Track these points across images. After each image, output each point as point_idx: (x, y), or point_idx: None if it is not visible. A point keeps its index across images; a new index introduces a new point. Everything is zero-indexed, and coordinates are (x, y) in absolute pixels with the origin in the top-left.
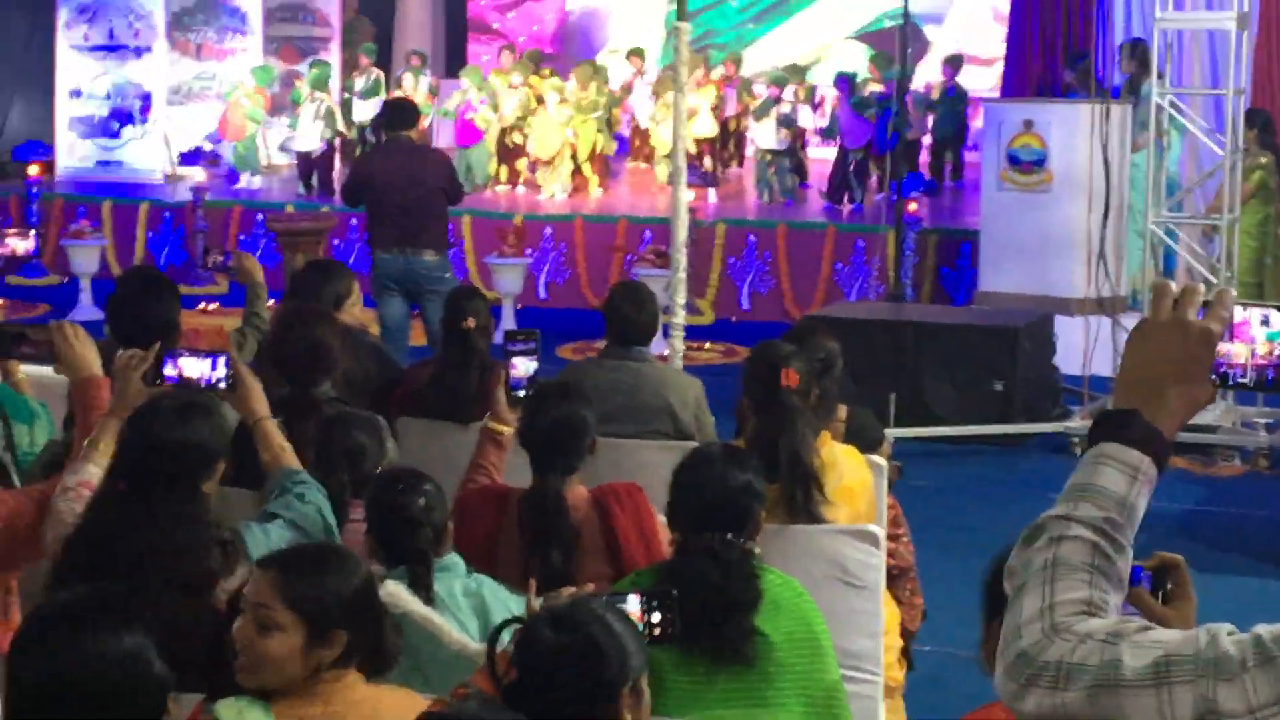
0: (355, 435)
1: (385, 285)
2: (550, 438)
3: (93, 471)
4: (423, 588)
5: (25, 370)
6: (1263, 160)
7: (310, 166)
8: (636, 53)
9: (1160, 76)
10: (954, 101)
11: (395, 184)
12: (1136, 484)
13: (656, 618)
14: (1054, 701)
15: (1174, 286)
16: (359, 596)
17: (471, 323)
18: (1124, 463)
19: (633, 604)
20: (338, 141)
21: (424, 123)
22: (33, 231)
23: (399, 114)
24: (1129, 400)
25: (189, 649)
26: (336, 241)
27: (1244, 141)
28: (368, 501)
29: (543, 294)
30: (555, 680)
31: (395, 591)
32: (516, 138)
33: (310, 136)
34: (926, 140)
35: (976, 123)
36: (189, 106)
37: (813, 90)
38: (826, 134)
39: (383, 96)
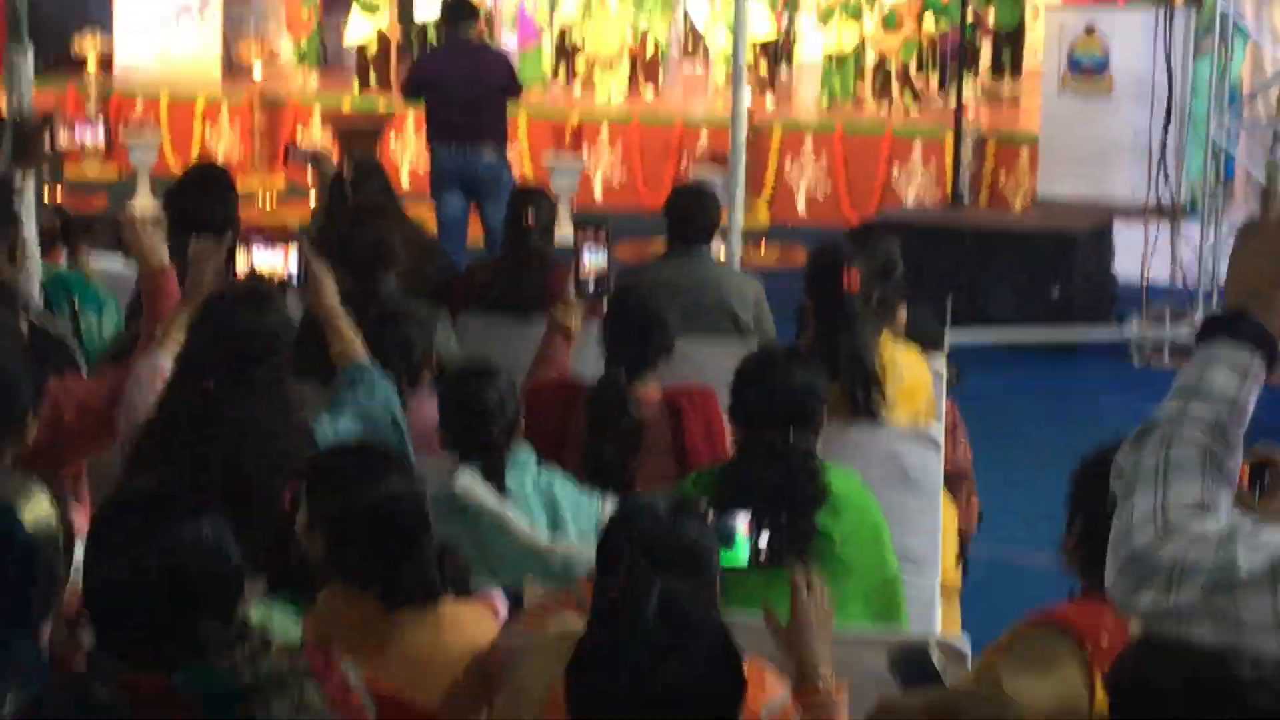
0: (404, 328)
1: (444, 181)
2: (628, 333)
3: (165, 360)
4: (495, 480)
5: (92, 263)
6: None
7: (367, 63)
8: None
9: None
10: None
11: (455, 81)
12: (1246, 383)
13: (764, 540)
14: (1168, 601)
15: None
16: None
17: (533, 219)
18: (1234, 362)
19: (741, 523)
20: (397, 38)
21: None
22: (102, 127)
23: (458, 11)
24: (1238, 300)
25: (268, 537)
26: (394, 136)
27: None
28: (441, 394)
29: (599, 194)
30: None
31: (468, 484)
32: (574, 37)
33: (366, 32)
34: (986, 44)
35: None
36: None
37: None
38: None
39: None
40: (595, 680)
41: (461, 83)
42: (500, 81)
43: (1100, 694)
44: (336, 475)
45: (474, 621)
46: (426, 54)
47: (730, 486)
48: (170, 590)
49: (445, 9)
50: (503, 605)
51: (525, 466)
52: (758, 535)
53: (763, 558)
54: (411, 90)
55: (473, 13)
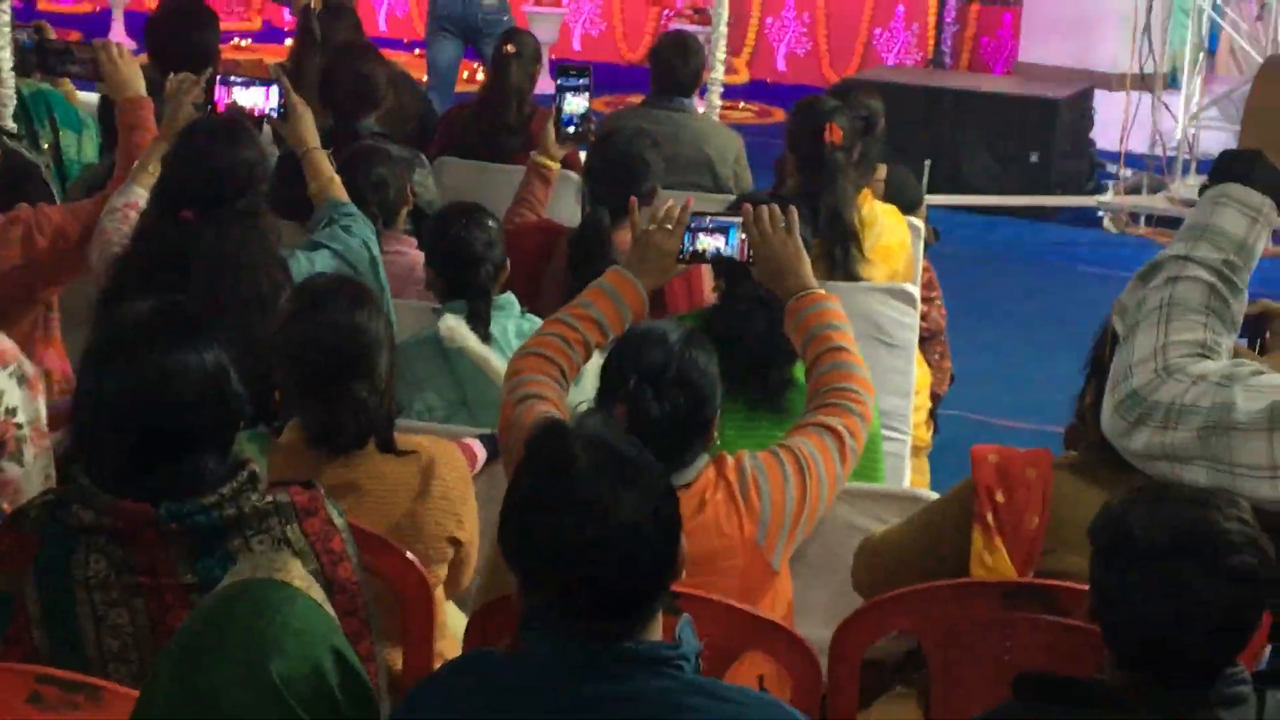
0: (379, 167)
1: (441, 26)
2: (612, 173)
3: (139, 193)
4: (480, 323)
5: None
6: None
7: None
8: None
9: None
10: None
11: None
12: (1257, 226)
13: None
14: (1163, 440)
15: None
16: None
17: (512, 48)
18: (1245, 204)
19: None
20: None
21: None
22: None
23: None
24: (1254, 139)
25: (258, 365)
26: None
27: None
28: (428, 235)
29: (577, 45)
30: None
31: (454, 325)
32: None
33: None
34: None
35: None
36: None
37: None
38: None
39: None
40: (531, 519)
41: None
42: None
43: (978, 541)
44: (295, 304)
45: (405, 479)
46: None
47: (711, 331)
48: (170, 414)
49: None
50: (481, 451)
51: (509, 312)
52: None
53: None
54: None
55: None
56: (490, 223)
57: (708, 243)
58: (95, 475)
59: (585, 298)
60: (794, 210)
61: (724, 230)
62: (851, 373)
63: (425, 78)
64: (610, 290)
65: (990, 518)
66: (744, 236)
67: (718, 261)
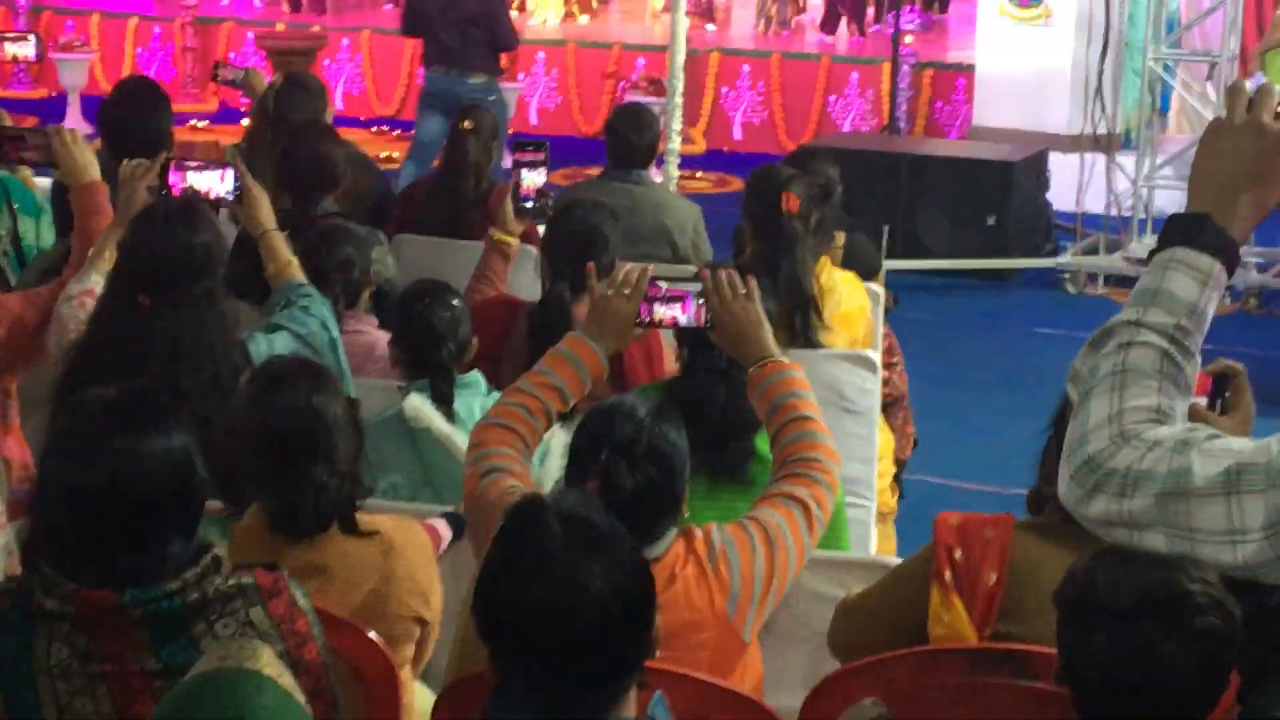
0: (342, 248)
1: (428, 104)
2: (571, 248)
3: (96, 279)
4: (444, 402)
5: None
6: None
7: None
8: None
9: None
10: None
11: (440, 8)
12: (1207, 290)
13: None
14: (1120, 508)
15: (1248, 86)
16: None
17: (469, 124)
18: (1195, 268)
19: (687, 293)
20: None
21: None
22: (32, 35)
23: None
24: (1200, 203)
25: (219, 449)
26: (327, 61)
27: None
28: (392, 313)
29: (534, 119)
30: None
31: (419, 405)
32: None
33: None
34: None
35: None
36: None
37: None
38: None
39: None
40: (508, 592)
41: (446, 10)
42: (481, 9)
43: (936, 599)
44: (253, 387)
45: (368, 559)
46: None
47: (673, 402)
48: (135, 504)
49: None
50: (446, 531)
51: (475, 390)
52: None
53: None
54: (406, 23)
55: None
56: (455, 301)
57: (664, 312)
58: (58, 562)
59: (545, 365)
60: (753, 278)
61: (681, 297)
62: (817, 442)
63: (386, 154)
64: (569, 356)
65: (948, 575)
66: (702, 302)
67: (675, 327)
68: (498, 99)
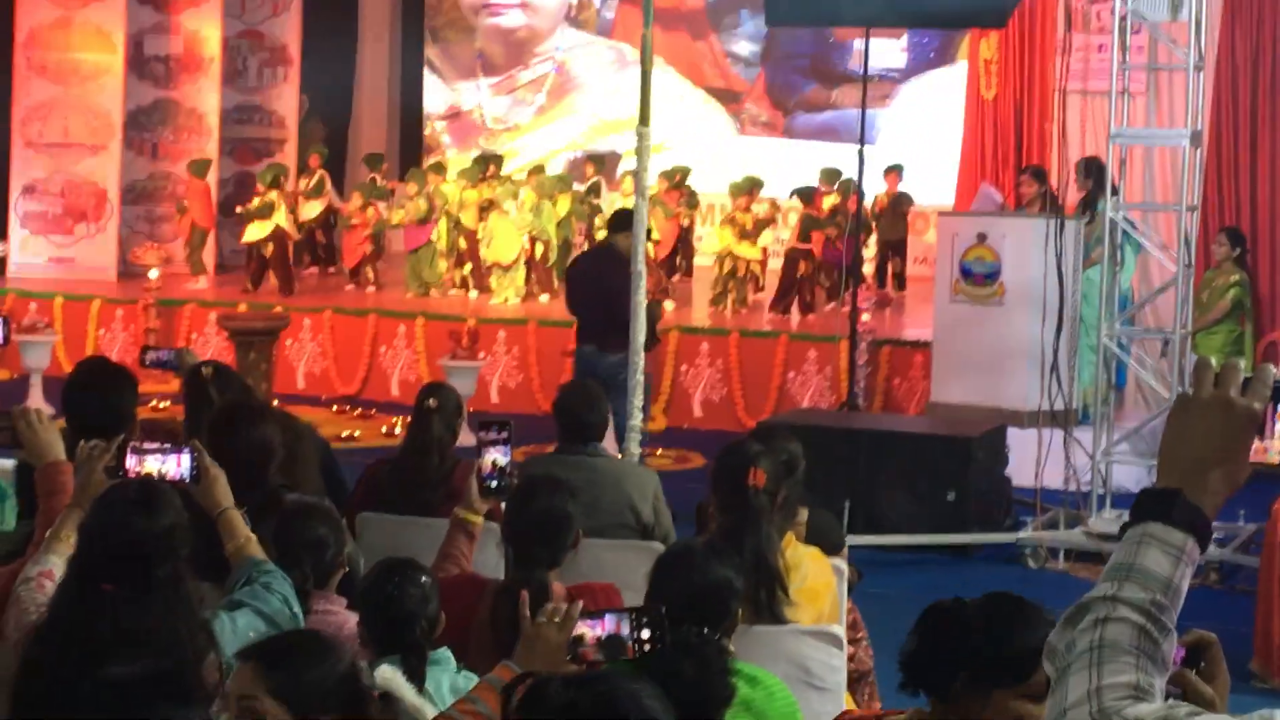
0: (316, 528)
1: (577, 377)
2: (537, 530)
3: (54, 561)
4: (416, 679)
5: None
6: (1235, 278)
7: (264, 265)
8: (593, 159)
9: (1114, 192)
10: (897, 211)
11: (592, 287)
12: (1181, 565)
13: (646, 634)
14: None
15: (1214, 362)
16: (344, 682)
17: (434, 403)
18: (1168, 543)
19: (621, 622)
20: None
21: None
22: (0, 319)
23: (616, 221)
24: (1171, 478)
25: None
26: (290, 341)
27: (1218, 258)
28: (360, 592)
29: (495, 398)
30: None
31: (391, 676)
32: (465, 240)
33: (261, 232)
34: (871, 251)
35: (926, 235)
36: (144, 205)
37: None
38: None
39: (325, 198)
40: None
41: (595, 288)
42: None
43: None
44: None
45: None
46: (576, 259)
47: (641, 676)
48: None
49: (613, 218)
50: None
51: (444, 667)
52: (638, 630)
53: (646, 648)
54: (568, 305)
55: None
56: (424, 578)
57: (592, 642)
58: None
59: (474, 693)
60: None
61: (616, 630)
62: None
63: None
64: (497, 683)
65: None
66: (629, 633)
67: (609, 659)
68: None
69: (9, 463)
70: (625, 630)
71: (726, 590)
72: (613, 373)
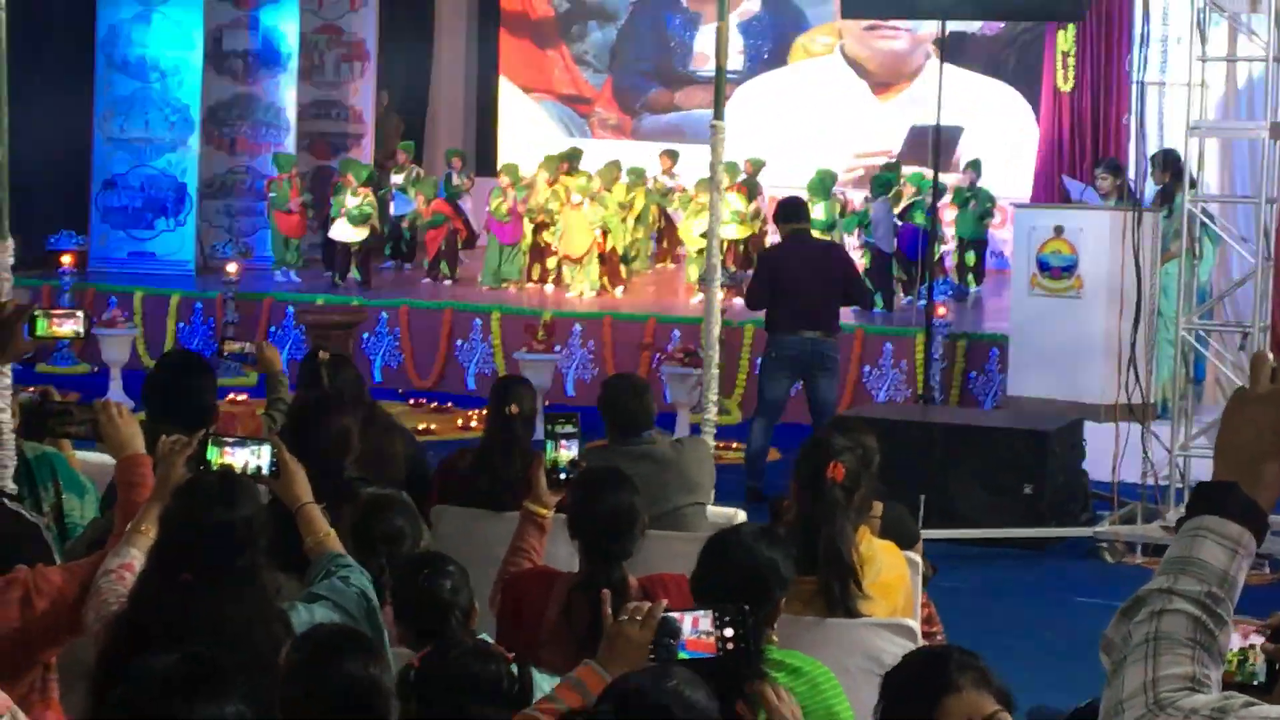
0: (394, 520)
1: (780, 366)
2: (606, 525)
3: (134, 554)
4: None
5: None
6: None
7: (346, 260)
8: (669, 154)
9: (1192, 185)
10: (977, 206)
11: (810, 274)
12: (1237, 558)
13: (729, 632)
14: None
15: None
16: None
17: (516, 409)
18: (1224, 536)
19: (705, 621)
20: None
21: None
22: (80, 312)
23: (793, 209)
24: (1227, 471)
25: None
26: (366, 335)
27: None
28: (394, 587)
29: (570, 391)
30: None
31: None
32: (546, 235)
33: (352, 230)
34: (951, 245)
35: (1002, 231)
36: (222, 200)
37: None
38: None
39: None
40: None
41: (807, 275)
42: (838, 273)
43: None
44: (298, 656)
45: None
46: (769, 251)
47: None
48: None
49: (784, 207)
50: None
51: None
52: (722, 629)
53: (730, 646)
54: (755, 298)
55: (806, 210)
56: (451, 567)
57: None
58: None
59: (555, 692)
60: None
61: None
62: None
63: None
64: (578, 685)
65: None
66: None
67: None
68: (837, 349)
69: (91, 455)
70: (707, 626)
71: (768, 573)
72: (835, 355)
